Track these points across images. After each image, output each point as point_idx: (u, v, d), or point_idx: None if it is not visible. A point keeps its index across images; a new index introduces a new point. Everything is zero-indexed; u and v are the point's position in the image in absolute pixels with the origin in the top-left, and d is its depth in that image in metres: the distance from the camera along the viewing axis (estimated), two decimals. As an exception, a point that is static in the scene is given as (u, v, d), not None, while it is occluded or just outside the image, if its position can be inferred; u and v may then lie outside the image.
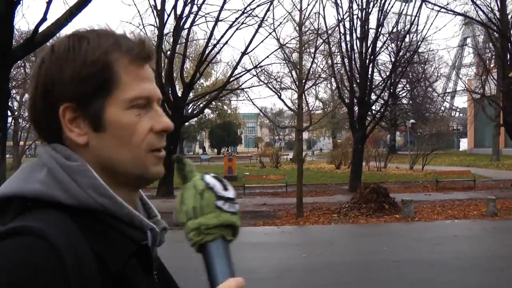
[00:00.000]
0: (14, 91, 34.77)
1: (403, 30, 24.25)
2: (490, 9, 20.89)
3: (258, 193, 20.61)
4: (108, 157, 0.88)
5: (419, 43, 22.78)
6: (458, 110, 52.02)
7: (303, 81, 15.07)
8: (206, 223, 0.84)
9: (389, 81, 22.08)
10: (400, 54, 21.92)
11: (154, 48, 0.96)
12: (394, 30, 23.01)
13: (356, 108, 20.59)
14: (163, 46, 18.12)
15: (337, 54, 21.70)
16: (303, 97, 43.45)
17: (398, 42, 21.98)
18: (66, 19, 13.85)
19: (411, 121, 32.87)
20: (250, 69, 18.58)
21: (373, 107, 23.08)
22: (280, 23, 18.63)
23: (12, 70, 32.21)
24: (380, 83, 23.71)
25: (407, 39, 22.27)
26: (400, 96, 42.66)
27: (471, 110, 35.98)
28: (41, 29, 14.33)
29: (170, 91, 17.93)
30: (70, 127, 0.87)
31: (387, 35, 21.22)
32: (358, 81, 20.10)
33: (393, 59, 23.34)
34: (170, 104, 17.84)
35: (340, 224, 12.77)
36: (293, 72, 34.42)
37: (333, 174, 28.54)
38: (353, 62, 19.76)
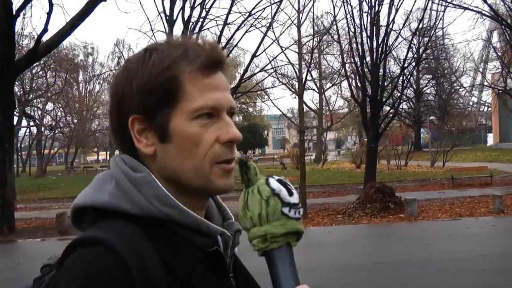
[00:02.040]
0: (36, 101, 35.61)
1: (411, 25, 23.71)
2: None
3: (271, 194, 20.36)
4: (173, 168, 0.88)
5: (430, 38, 22.24)
6: (486, 104, 50.53)
7: (303, 81, 14.95)
8: (273, 231, 0.82)
9: (401, 78, 21.61)
10: (412, 49, 21.48)
11: (225, 55, 0.93)
12: (405, 26, 22.49)
13: (368, 107, 20.22)
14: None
15: (348, 52, 21.41)
16: (323, 97, 43.02)
17: (410, 37, 21.54)
18: (68, 30, 14.15)
19: (431, 118, 32.17)
20: (257, 72, 18.58)
21: (390, 104, 22.66)
22: (288, 26, 18.48)
23: (34, 79, 33.12)
24: (394, 80, 23.18)
25: (417, 35, 21.74)
26: (423, 92, 41.82)
27: (494, 105, 34.95)
28: (43, 39, 14.73)
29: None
30: (139, 138, 0.89)
31: (398, 32, 20.73)
32: (369, 79, 19.74)
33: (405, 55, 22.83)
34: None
35: (341, 225, 12.63)
36: (312, 73, 34.25)
37: (352, 173, 28.21)
38: (364, 61, 19.41)
